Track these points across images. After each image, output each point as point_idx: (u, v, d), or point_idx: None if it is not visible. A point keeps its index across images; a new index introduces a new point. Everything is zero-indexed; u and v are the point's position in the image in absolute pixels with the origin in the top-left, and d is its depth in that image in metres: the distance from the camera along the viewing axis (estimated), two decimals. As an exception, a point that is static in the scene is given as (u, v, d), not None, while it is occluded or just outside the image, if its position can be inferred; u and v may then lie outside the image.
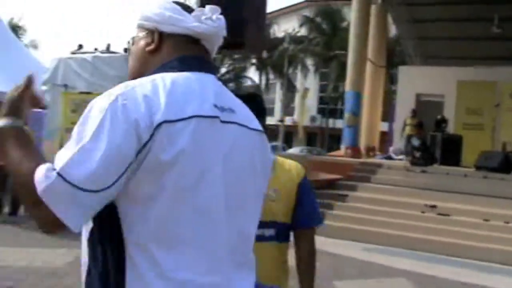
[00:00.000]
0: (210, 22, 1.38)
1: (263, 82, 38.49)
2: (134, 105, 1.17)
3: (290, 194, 2.40)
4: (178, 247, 1.21)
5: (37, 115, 8.63)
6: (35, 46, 28.53)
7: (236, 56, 33.02)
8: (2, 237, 7.58)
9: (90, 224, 1.25)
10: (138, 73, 1.38)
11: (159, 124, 1.17)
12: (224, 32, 1.44)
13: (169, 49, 1.38)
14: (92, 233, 1.25)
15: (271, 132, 33.27)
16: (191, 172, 1.21)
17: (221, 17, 1.42)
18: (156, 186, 1.18)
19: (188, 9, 1.41)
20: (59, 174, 1.13)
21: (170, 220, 1.20)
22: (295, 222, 2.41)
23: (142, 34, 1.42)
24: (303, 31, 37.19)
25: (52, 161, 1.17)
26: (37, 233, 6.84)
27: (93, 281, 1.23)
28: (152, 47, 1.39)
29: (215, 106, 1.29)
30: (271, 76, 38.46)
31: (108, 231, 1.22)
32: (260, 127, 1.44)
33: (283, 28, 36.87)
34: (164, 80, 1.26)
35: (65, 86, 9.73)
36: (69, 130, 6.97)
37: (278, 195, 2.36)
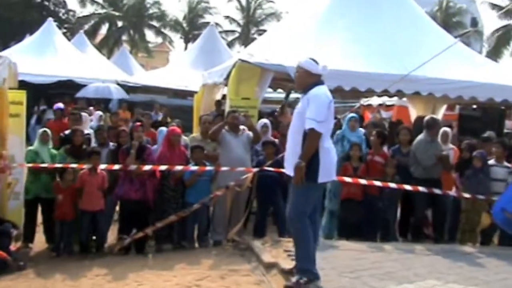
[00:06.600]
0: (323, 69, 4.94)
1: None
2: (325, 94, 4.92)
3: None
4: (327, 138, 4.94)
5: None
6: None
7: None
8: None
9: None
10: (306, 85, 4.98)
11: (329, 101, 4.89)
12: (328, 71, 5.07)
13: (315, 77, 4.92)
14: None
15: None
16: (330, 118, 4.88)
17: (327, 66, 4.94)
18: (328, 122, 4.86)
19: (317, 62, 4.92)
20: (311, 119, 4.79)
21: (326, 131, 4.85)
22: None
23: (303, 71, 4.98)
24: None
25: None
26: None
27: None
28: (309, 77, 4.96)
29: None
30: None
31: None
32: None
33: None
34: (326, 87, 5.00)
35: None
36: None
37: None
